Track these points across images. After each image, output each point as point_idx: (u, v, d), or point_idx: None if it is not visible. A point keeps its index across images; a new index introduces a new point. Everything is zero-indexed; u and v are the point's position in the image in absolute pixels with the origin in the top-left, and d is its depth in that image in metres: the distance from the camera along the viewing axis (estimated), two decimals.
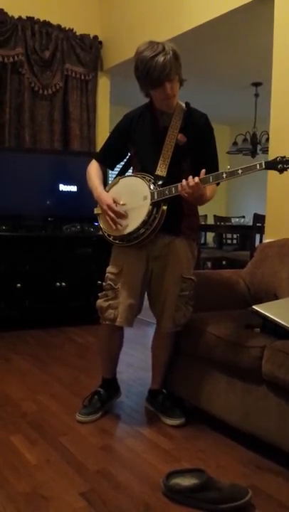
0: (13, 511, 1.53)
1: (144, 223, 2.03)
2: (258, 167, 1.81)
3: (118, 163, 2.36)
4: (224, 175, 1.89)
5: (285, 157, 1.79)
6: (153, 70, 1.93)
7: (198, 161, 2.09)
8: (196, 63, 4.87)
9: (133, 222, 2.06)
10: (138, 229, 2.04)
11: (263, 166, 1.80)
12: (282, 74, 2.92)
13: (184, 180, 1.94)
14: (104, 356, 2.36)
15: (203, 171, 1.94)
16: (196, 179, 1.91)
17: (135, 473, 1.78)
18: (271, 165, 1.81)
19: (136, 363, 3.07)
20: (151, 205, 2.02)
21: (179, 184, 1.95)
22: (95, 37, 4.69)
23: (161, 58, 1.92)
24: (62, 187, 4.14)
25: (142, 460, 1.88)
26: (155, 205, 2.03)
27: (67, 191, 4.14)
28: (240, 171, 1.84)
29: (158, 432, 2.12)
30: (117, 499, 1.61)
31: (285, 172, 1.80)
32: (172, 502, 1.60)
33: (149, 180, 2.07)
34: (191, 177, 1.92)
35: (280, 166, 1.79)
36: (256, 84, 5.73)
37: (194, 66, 4.94)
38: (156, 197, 2.02)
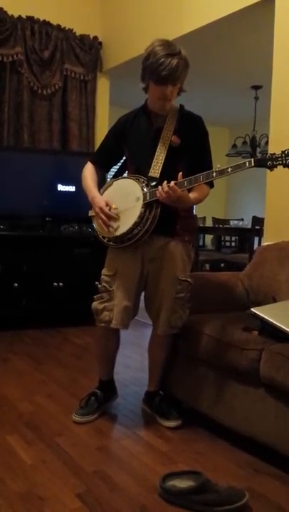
0: (9, 511, 1.52)
1: (137, 224, 2.03)
2: (247, 165, 1.81)
3: (113, 165, 2.37)
4: (214, 174, 1.89)
5: (274, 154, 1.79)
6: (163, 68, 1.93)
7: (192, 163, 2.09)
8: (196, 65, 4.83)
9: (126, 223, 2.06)
10: (131, 230, 2.04)
11: (253, 164, 1.81)
12: (282, 77, 2.92)
13: (159, 186, 1.95)
14: (101, 358, 2.35)
15: (180, 174, 1.95)
16: (172, 183, 1.92)
17: (132, 475, 1.77)
18: (261, 162, 1.80)
19: (133, 364, 3.07)
20: (143, 206, 2.03)
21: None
22: (95, 37, 4.69)
23: (175, 60, 1.93)
24: (61, 187, 4.13)
25: (138, 461, 1.88)
26: (148, 206, 2.04)
27: (66, 191, 4.14)
28: (229, 169, 1.84)
29: (155, 434, 2.11)
30: (113, 500, 1.60)
31: (275, 169, 1.80)
32: (169, 504, 1.59)
33: (143, 182, 2.08)
34: (165, 182, 1.94)
35: (269, 163, 1.79)
36: (256, 87, 5.74)
37: (194, 68, 4.91)
38: (148, 198, 2.02)
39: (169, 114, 2.14)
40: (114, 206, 2.13)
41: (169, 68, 1.93)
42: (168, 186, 1.92)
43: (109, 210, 2.12)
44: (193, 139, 2.16)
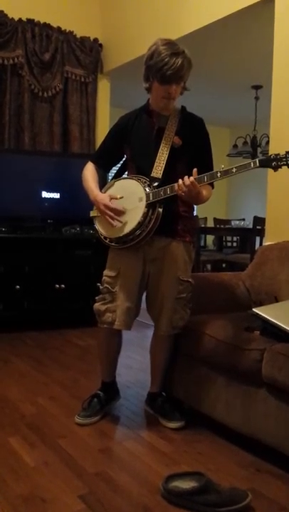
0: None
1: (140, 225, 2.03)
2: (252, 165, 1.81)
3: (113, 165, 2.36)
4: (218, 174, 1.89)
5: (278, 154, 1.78)
6: (168, 68, 1.94)
7: (194, 164, 2.07)
8: (197, 66, 4.82)
9: (129, 223, 2.06)
10: (134, 230, 2.03)
11: (257, 164, 1.80)
12: (283, 77, 2.92)
13: (180, 180, 1.93)
14: (103, 360, 2.35)
15: (195, 170, 1.94)
16: (192, 178, 1.90)
17: (134, 476, 1.77)
18: (265, 163, 1.80)
19: (135, 365, 3.07)
20: (146, 206, 2.02)
21: (175, 184, 1.96)
22: (95, 39, 4.69)
23: (179, 60, 1.95)
24: (62, 189, 4.13)
25: (141, 463, 1.88)
26: (150, 206, 2.03)
27: (67, 193, 4.14)
28: (234, 170, 1.84)
29: (157, 435, 2.11)
30: (116, 502, 1.60)
31: (279, 170, 1.80)
32: (171, 505, 1.59)
33: (145, 182, 2.07)
34: (186, 176, 1.93)
35: (274, 163, 1.79)
36: (256, 87, 5.74)
37: (195, 68, 4.92)
38: (151, 198, 2.02)
39: (171, 115, 2.14)
40: (118, 196, 2.10)
41: (174, 68, 1.94)
42: (189, 181, 1.90)
43: (114, 202, 2.10)
44: (194, 141, 2.16)
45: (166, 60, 1.94)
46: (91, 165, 2.31)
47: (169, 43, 1.99)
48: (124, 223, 2.08)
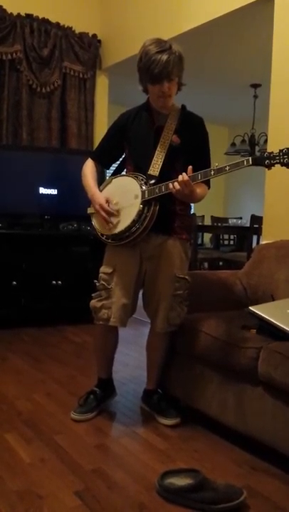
0: (7, 509, 1.52)
1: (135, 222, 2.03)
2: (245, 163, 1.81)
3: (114, 162, 2.36)
4: (212, 172, 1.89)
5: (272, 153, 1.78)
6: (155, 66, 1.94)
7: (191, 163, 2.06)
8: (195, 64, 4.87)
9: (124, 221, 2.07)
10: (129, 228, 2.04)
11: (250, 162, 1.80)
12: (281, 75, 2.92)
13: (179, 177, 1.93)
14: (100, 356, 2.35)
15: (190, 167, 1.94)
16: (186, 176, 1.91)
17: (130, 473, 1.78)
18: (258, 161, 1.80)
19: (132, 363, 3.07)
20: (141, 204, 2.03)
21: (170, 182, 1.96)
22: (94, 35, 4.68)
23: (165, 56, 1.93)
24: (60, 185, 4.13)
25: (137, 459, 1.88)
26: (146, 204, 2.04)
27: (65, 189, 4.13)
28: (227, 168, 1.85)
29: (153, 432, 2.12)
30: (112, 498, 1.61)
31: (274, 168, 1.80)
32: (167, 502, 1.60)
33: (141, 180, 2.08)
34: (180, 176, 1.93)
35: (267, 161, 1.79)
36: (255, 86, 5.73)
37: (193, 67, 4.94)
38: (146, 196, 2.03)
39: (170, 114, 2.14)
40: (114, 201, 2.13)
41: (160, 65, 1.93)
42: (183, 180, 1.91)
43: (110, 206, 2.12)
44: (193, 140, 2.16)
45: (153, 59, 1.94)
46: (91, 162, 2.31)
47: (155, 42, 1.98)
48: (119, 220, 2.09)
